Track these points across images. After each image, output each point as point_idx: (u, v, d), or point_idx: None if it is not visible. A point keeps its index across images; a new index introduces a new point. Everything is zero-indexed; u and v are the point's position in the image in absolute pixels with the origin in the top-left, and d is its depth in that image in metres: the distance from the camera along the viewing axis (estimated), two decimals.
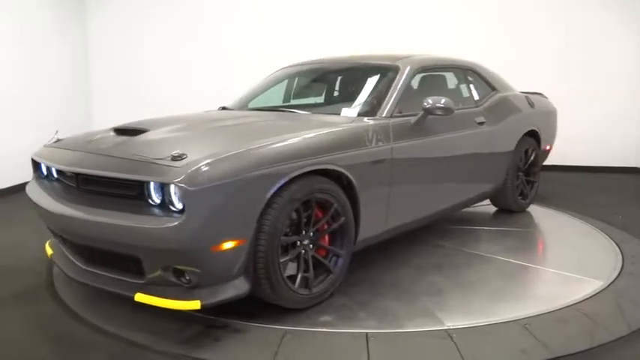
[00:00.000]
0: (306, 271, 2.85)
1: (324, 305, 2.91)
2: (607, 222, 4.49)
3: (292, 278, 2.77)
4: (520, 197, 4.77)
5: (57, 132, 3.40)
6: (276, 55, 6.95)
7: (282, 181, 2.58)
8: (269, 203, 2.57)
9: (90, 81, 7.46)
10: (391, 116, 3.34)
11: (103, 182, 2.68)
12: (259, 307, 2.86)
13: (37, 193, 3.08)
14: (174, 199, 2.40)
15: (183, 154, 2.47)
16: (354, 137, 3.05)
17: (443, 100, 3.31)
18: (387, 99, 3.43)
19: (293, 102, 4.24)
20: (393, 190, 3.27)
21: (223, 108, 4.23)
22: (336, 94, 4.22)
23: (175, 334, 2.63)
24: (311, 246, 2.87)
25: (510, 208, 4.77)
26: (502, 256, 3.68)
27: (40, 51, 6.42)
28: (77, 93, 7.23)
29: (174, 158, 2.45)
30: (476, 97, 4.25)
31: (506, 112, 4.41)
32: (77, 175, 2.80)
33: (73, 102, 7.11)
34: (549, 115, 5.23)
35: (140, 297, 2.56)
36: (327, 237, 2.97)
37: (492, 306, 2.92)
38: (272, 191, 2.55)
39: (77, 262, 2.91)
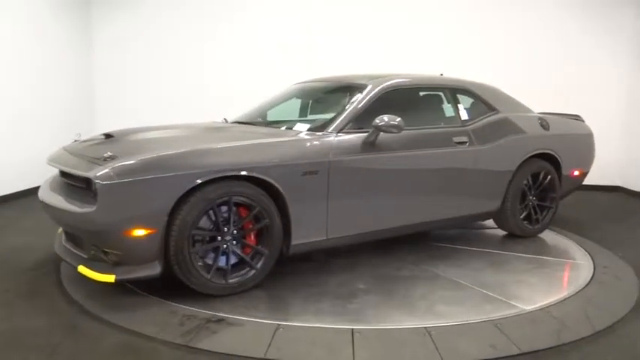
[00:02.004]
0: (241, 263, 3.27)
1: (238, 295, 3.25)
2: (585, 237, 4.77)
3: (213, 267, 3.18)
4: (526, 222, 4.61)
5: (79, 135, 3.92)
6: (281, 70, 7.28)
7: (195, 183, 2.99)
8: (181, 200, 2.99)
9: (94, 90, 7.68)
10: (339, 132, 3.57)
11: (69, 175, 3.30)
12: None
13: (43, 187, 3.65)
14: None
15: (114, 156, 3.03)
16: (283, 149, 3.37)
17: (396, 119, 3.49)
18: (340, 116, 3.68)
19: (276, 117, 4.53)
20: (333, 202, 3.49)
21: (225, 120, 4.62)
22: (312, 110, 4.51)
23: (176, 327, 2.85)
24: (234, 242, 3.21)
25: (513, 232, 4.63)
26: (455, 275, 3.70)
27: (46, 61, 6.66)
28: (81, 102, 7.45)
29: (105, 159, 3.02)
30: (464, 116, 4.26)
31: (502, 132, 4.35)
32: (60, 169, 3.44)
33: (76, 111, 7.33)
34: (577, 139, 5.02)
35: (81, 268, 3.13)
36: (252, 236, 3.30)
37: (389, 313, 3.08)
38: (183, 190, 2.97)
39: (63, 239, 3.54)
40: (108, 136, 3.68)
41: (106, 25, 7.62)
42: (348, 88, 4.06)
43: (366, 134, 3.62)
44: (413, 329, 2.86)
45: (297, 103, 4.59)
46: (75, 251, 3.33)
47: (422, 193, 3.97)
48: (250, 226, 3.28)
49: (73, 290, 3.39)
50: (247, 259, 3.28)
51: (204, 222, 3.13)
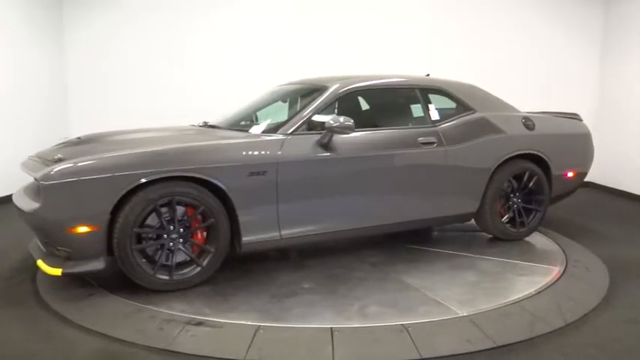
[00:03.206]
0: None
1: (180, 292, 3.36)
2: (558, 231, 4.89)
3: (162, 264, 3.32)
4: (509, 225, 4.47)
5: (66, 138, 4.11)
6: (258, 71, 7.25)
7: (138, 183, 3.14)
8: (123, 199, 3.14)
9: (67, 93, 7.52)
10: (291, 133, 3.62)
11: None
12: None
13: (18, 191, 3.72)
14: None
15: (62, 158, 3.24)
16: (227, 150, 3.45)
17: (349, 120, 3.52)
18: (295, 117, 3.75)
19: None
20: (284, 202, 3.54)
21: (205, 123, 4.62)
22: (281, 112, 4.48)
23: (156, 332, 2.85)
24: (181, 240, 3.34)
25: (496, 235, 4.49)
26: (409, 277, 3.64)
27: (17, 65, 6.49)
28: (55, 106, 7.29)
29: (55, 161, 3.22)
30: (435, 117, 4.18)
31: (476, 133, 4.23)
32: None
33: (50, 115, 7.18)
34: (570, 139, 4.83)
35: (39, 262, 3.32)
36: (200, 234, 3.42)
37: (316, 313, 3.10)
38: (124, 191, 3.12)
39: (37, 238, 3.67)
40: (79, 139, 3.90)
41: (79, 26, 7.44)
42: (311, 90, 4.08)
43: (318, 135, 3.65)
44: (391, 326, 2.90)
45: (277, 105, 4.57)
46: (41, 247, 3.51)
47: (381, 195, 3.92)
48: (197, 225, 3.40)
49: (50, 298, 3.35)
50: (192, 256, 3.39)
51: (152, 220, 3.28)
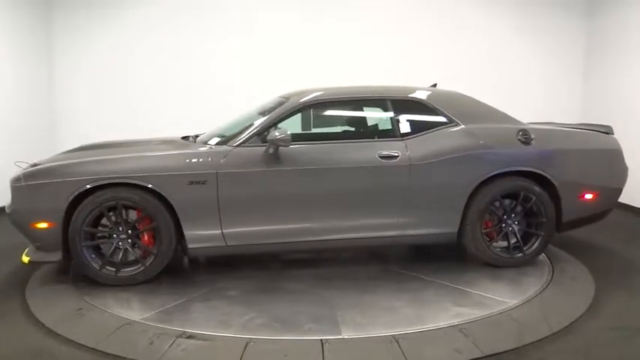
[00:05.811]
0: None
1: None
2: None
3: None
4: (501, 250, 4.05)
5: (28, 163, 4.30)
6: (249, 86, 7.25)
7: (84, 188, 3.54)
8: (75, 201, 3.57)
9: (54, 108, 7.42)
10: (238, 145, 3.75)
11: None
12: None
13: None
14: None
15: (37, 164, 3.78)
16: (170, 160, 3.72)
17: (286, 133, 3.60)
18: (246, 130, 3.86)
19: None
20: (226, 211, 3.68)
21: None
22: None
23: (146, 346, 2.85)
24: (129, 240, 3.70)
25: (485, 261, 4.04)
26: (339, 295, 3.55)
27: (4, 74, 6.41)
28: (42, 120, 7.21)
29: (31, 166, 3.78)
30: (405, 129, 3.94)
31: (454, 147, 3.90)
32: None
33: (38, 130, 7.11)
34: (588, 155, 4.20)
35: (24, 253, 3.77)
36: (146, 236, 3.74)
37: (206, 320, 3.17)
38: (75, 193, 3.55)
39: None
40: (80, 148, 4.39)
41: (68, 34, 7.34)
42: (278, 103, 4.10)
43: (263, 148, 3.73)
44: (381, 337, 2.93)
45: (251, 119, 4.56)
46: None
47: (330, 208, 3.83)
48: (142, 228, 3.72)
49: (40, 313, 3.35)
50: (137, 256, 3.72)
51: (105, 221, 3.70)
